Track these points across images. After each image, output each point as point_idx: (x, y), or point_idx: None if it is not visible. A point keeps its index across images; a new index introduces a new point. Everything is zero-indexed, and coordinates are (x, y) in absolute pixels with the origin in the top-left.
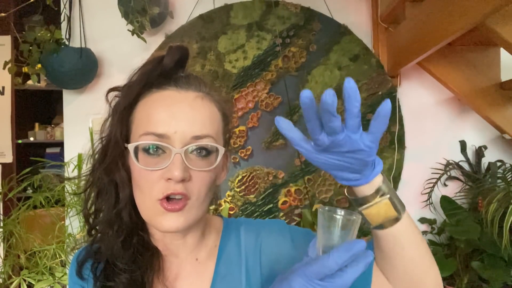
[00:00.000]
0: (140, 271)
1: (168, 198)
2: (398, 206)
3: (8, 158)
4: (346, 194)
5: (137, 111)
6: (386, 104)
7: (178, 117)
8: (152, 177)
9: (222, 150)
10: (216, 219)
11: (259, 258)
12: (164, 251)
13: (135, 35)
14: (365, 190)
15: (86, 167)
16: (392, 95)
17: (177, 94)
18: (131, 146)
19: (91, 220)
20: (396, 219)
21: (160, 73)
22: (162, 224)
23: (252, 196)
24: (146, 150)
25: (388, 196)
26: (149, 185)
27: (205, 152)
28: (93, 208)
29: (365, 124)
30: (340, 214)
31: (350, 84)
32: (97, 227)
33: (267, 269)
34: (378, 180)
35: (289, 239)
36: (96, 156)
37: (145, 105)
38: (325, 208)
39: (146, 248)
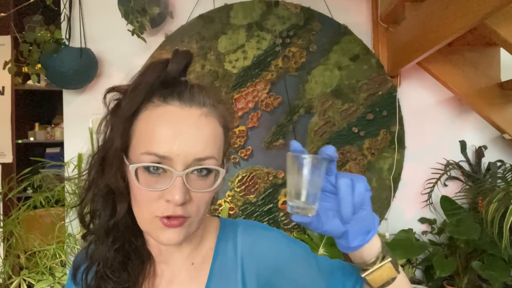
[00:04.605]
0: (128, 278)
1: (167, 217)
2: (397, 265)
3: (8, 158)
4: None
5: (138, 124)
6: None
7: (181, 137)
8: (152, 195)
9: (223, 172)
10: (213, 220)
11: (255, 265)
12: (158, 257)
13: (135, 35)
14: (368, 255)
15: (84, 170)
16: (392, 95)
17: (181, 111)
18: (132, 168)
19: (86, 221)
20: (395, 277)
21: (163, 81)
22: (161, 238)
23: (252, 196)
24: (147, 169)
25: (390, 259)
26: (148, 203)
27: (206, 172)
28: (89, 214)
29: (365, 124)
30: (308, 155)
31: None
32: (94, 233)
33: (263, 279)
34: (377, 244)
35: (288, 253)
36: (94, 160)
37: (147, 120)
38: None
39: (138, 255)
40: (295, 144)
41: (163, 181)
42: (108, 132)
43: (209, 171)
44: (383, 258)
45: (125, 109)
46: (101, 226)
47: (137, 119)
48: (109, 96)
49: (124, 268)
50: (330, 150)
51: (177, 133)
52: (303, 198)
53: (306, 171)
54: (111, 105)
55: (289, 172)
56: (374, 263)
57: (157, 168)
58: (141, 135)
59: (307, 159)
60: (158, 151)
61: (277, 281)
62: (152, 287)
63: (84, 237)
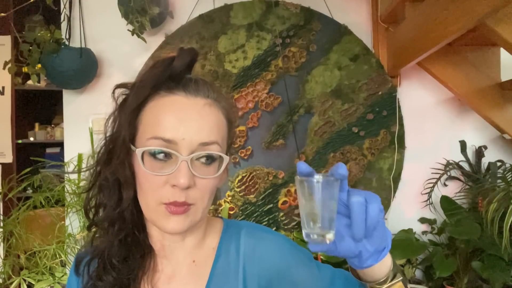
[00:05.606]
0: (128, 272)
1: (172, 203)
2: (407, 284)
3: (8, 158)
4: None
5: (145, 113)
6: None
7: (187, 123)
8: (157, 181)
9: (226, 158)
10: (216, 221)
11: (257, 267)
12: (161, 252)
13: (135, 35)
14: (379, 273)
15: (88, 165)
16: (392, 95)
17: (186, 100)
18: (139, 151)
19: (91, 215)
20: None
21: (169, 76)
22: (166, 226)
23: (252, 196)
24: (153, 154)
25: (401, 278)
26: (154, 189)
27: (210, 159)
28: (94, 204)
29: (365, 124)
30: (319, 178)
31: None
32: (98, 224)
33: (264, 282)
34: (388, 261)
35: (290, 257)
36: (100, 153)
37: (153, 109)
38: (302, 176)
39: (139, 249)
40: (302, 166)
41: (168, 167)
42: (116, 126)
43: (213, 159)
44: (394, 277)
45: (132, 101)
46: (107, 216)
47: (143, 110)
48: (117, 92)
49: (126, 260)
50: (342, 169)
51: (182, 119)
52: (318, 224)
53: (318, 195)
54: (119, 100)
55: (300, 197)
56: (385, 281)
57: (163, 154)
58: (148, 123)
59: (318, 182)
60: (164, 136)
61: (277, 284)
62: (151, 282)
63: (89, 228)
